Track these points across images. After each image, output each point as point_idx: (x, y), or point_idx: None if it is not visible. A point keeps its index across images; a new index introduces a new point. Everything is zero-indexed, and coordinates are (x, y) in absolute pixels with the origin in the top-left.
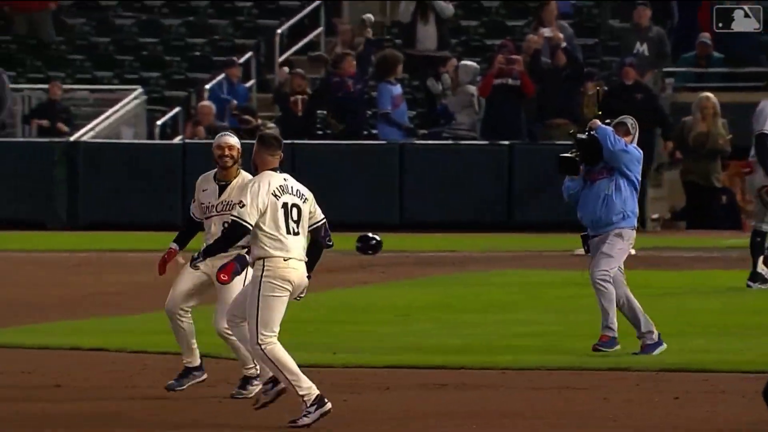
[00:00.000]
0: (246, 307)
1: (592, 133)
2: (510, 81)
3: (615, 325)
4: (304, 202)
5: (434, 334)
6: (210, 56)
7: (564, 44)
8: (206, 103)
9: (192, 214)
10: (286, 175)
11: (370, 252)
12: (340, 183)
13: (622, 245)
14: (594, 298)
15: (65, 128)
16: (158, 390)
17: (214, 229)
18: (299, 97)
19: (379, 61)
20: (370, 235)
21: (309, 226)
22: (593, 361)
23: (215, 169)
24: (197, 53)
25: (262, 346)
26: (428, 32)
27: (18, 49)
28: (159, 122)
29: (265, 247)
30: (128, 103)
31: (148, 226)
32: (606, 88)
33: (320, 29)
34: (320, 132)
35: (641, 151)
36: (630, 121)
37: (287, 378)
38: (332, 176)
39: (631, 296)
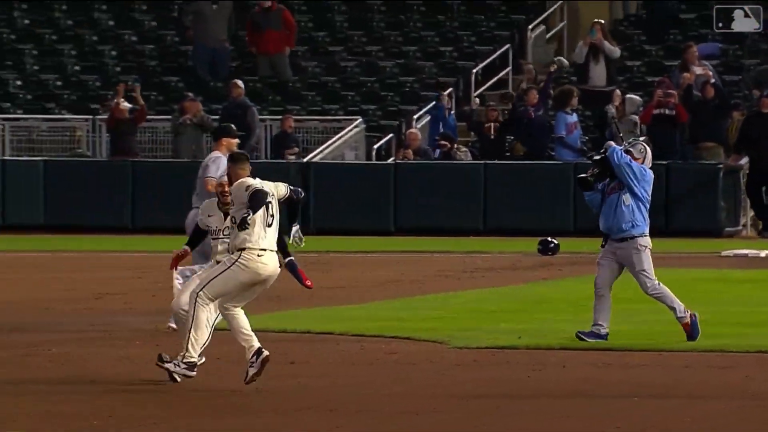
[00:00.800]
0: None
1: (605, 153)
2: (667, 111)
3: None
4: (272, 196)
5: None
6: (418, 92)
7: (713, 80)
8: (414, 130)
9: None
10: (258, 179)
11: (549, 253)
12: (523, 196)
13: (644, 255)
14: (733, 292)
15: (292, 154)
16: (368, 368)
17: (221, 248)
18: (492, 124)
19: (557, 94)
20: (549, 239)
21: (279, 199)
22: (733, 343)
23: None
24: (407, 89)
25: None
26: (599, 71)
27: (262, 87)
28: (375, 146)
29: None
30: (350, 130)
31: (366, 231)
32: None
33: (508, 68)
34: (508, 153)
35: (650, 172)
36: (640, 146)
37: (189, 335)
38: (517, 190)
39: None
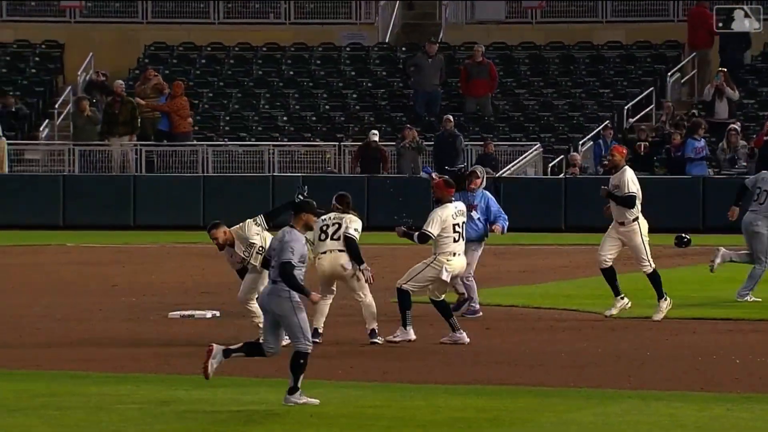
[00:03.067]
0: None
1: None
2: None
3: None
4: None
5: (728, 297)
6: (583, 123)
7: None
8: (574, 153)
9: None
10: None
11: (683, 246)
12: (663, 201)
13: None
14: None
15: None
16: (544, 333)
17: None
18: (642, 143)
19: (689, 125)
20: (683, 234)
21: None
22: None
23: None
24: (574, 122)
25: None
26: (722, 107)
27: (465, 120)
28: (550, 165)
29: None
30: (531, 153)
31: (542, 229)
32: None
33: (652, 105)
34: (656, 167)
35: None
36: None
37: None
38: (659, 197)
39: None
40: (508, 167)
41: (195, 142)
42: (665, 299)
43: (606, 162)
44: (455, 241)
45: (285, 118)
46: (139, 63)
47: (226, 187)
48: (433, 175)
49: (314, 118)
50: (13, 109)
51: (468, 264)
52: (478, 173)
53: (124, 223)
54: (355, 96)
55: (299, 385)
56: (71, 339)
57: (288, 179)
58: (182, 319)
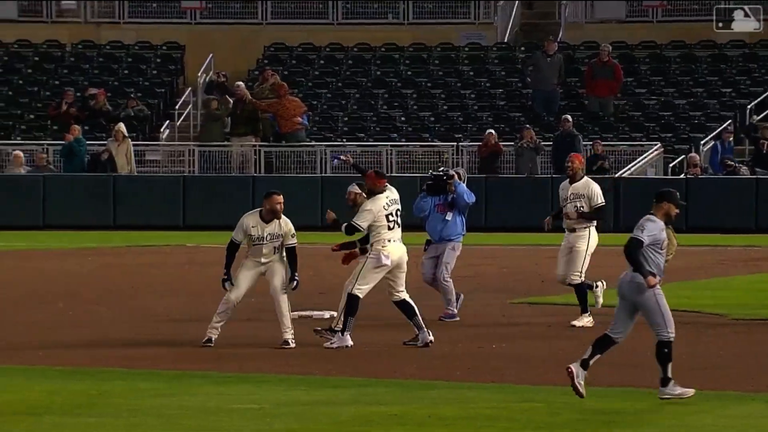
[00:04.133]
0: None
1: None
2: None
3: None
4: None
5: None
6: (704, 123)
7: None
8: (693, 154)
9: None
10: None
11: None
12: None
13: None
14: None
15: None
16: None
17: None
18: (765, 141)
19: None
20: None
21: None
22: None
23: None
24: (695, 121)
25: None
26: None
27: (584, 120)
28: (671, 165)
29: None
30: (651, 153)
31: None
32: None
33: None
34: None
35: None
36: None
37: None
38: None
39: None
40: (627, 167)
41: (313, 143)
42: (588, 314)
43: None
44: (389, 229)
45: (403, 119)
46: (258, 63)
47: (344, 188)
48: (341, 157)
49: (432, 118)
50: (132, 113)
51: (446, 264)
52: (460, 175)
53: None
54: (473, 96)
55: (669, 374)
56: (191, 339)
57: (405, 180)
58: (300, 320)
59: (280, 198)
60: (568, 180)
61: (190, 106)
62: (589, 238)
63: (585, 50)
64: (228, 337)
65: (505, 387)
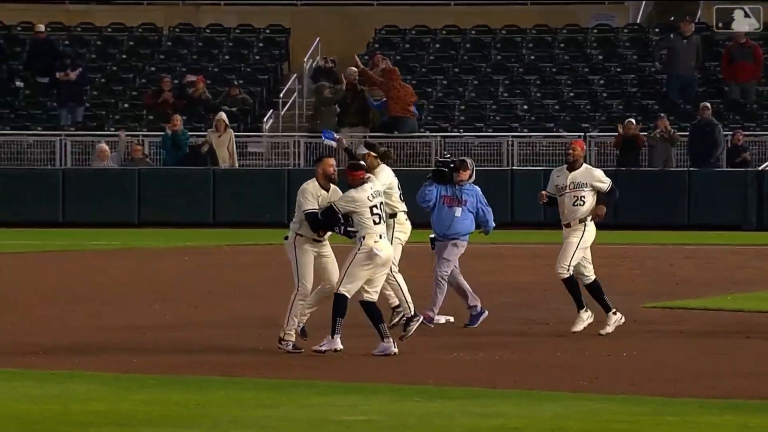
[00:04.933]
0: None
1: None
2: None
3: None
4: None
5: None
6: None
7: None
8: None
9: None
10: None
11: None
12: None
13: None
14: None
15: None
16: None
17: None
18: None
19: None
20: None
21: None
22: None
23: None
24: None
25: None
26: None
27: (726, 107)
28: None
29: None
30: None
31: None
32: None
33: None
34: None
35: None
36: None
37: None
38: None
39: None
40: None
41: (426, 133)
42: (585, 309)
43: (570, 156)
44: (375, 223)
45: (525, 107)
46: (368, 48)
47: None
48: (336, 136)
49: (557, 107)
50: (228, 107)
51: (447, 261)
52: (468, 165)
53: None
54: (602, 82)
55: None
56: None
57: (527, 174)
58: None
59: (332, 161)
60: (565, 167)
61: (295, 94)
62: (583, 232)
63: (725, 31)
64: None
65: (635, 399)
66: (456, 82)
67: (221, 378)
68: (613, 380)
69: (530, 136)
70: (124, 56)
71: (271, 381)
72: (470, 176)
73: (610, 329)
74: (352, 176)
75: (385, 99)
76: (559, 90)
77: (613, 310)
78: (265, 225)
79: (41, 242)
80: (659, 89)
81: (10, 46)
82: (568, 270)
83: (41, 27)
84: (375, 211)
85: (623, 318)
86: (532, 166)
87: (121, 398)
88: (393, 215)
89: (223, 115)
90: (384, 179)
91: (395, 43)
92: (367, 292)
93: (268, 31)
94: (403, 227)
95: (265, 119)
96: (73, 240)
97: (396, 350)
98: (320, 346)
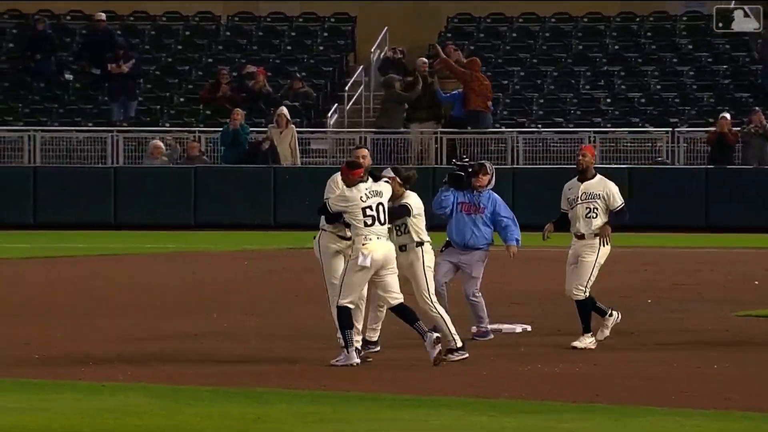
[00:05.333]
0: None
1: None
2: None
3: None
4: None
5: None
6: None
7: None
8: None
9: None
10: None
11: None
12: None
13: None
14: None
15: None
16: None
17: None
18: None
19: None
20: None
21: None
22: None
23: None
24: None
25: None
26: None
27: None
28: None
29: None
30: None
31: None
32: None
33: None
34: None
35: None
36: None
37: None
38: None
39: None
40: None
41: (503, 129)
42: (591, 335)
43: (580, 164)
44: (367, 225)
45: (608, 101)
46: (440, 37)
47: (537, 179)
48: (391, 174)
49: (643, 100)
50: (290, 101)
51: (475, 279)
52: (487, 169)
53: None
54: (692, 73)
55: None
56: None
57: (611, 172)
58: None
59: (365, 151)
60: (576, 177)
61: (361, 88)
62: (599, 248)
63: None
64: (405, 358)
65: (728, 414)
66: (534, 74)
67: (281, 390)
68: (705, 394)
69: (614, 132)
70: (180, 47)
71: (334, 394)
72: (489, 181)
73: (580, 345)
74: (350, 175)
75: (456, 91)
76: (645, 82)
77: (591, 333)
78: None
79: (91, 245)
80: (754, 81)
81: (59, 37)
82: (585, 291)
83: (102, 15)
84: (369, 212)
85: (595, 342)
86: (616, 164)
87: (176, 411)
88: (421, 243)
89: (284, 110)
90: (415, 205)
91: (469, 32)
92: (389, 296)
93: (332, 19)
94: (431, 255)
95: (329, 114)
96: (126, 243)
97: (357, 360)
98: (336, 361)
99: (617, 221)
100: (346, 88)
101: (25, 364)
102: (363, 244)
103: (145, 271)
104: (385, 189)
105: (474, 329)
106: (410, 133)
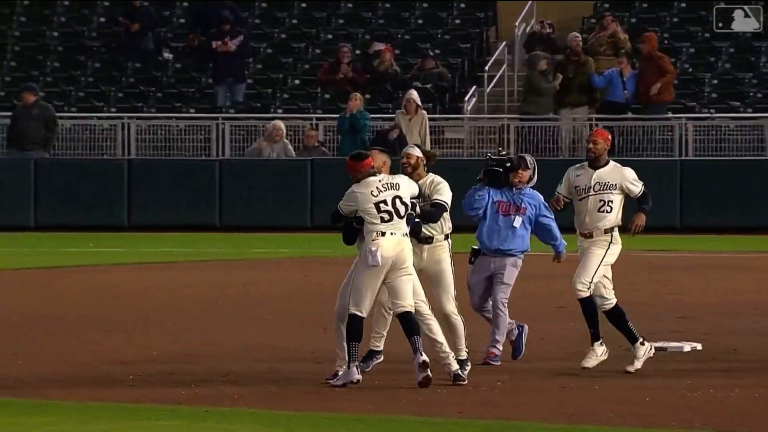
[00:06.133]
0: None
1: None
2: None
3: None
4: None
5: None
6: None
7: None
8: None
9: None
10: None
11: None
12: None
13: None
14: None
15: None
16: None
17: None
18: None
19: None
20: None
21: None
22: None
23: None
24: None
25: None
26: None
27: None
28: None
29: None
30: None
31: None
32: None
33: None
34: None
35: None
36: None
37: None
38: None
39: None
40: None
41: (669, 116)
42: (600, 343)
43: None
44: (384, 221)
45: (714, 82)
46: (595, 9)
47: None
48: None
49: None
50: (420, 83)
51: (505, 285)
52: (528, 162)
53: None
54: None
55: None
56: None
57: (703, 165)
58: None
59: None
60: (587, 163)
61: (503, 68)
62: (609, 246)
63: None
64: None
65: None
66: (706, 50)
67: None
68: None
69: (713, 117)
70: (294, 21)
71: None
72: (531, 178)
73: (639, 364)
74: (358, 168)
75: (611, 70)
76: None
77: (641, 340)
78: (467, 228)
79: (193, 249)
80: None
81: (157, 10)
82: (589, 288)
83: None
84: (383, 207)
85: (653, 348)
86: None
87: None
88: (447, 236)
89: (414, 94)
90: (448, 195)
91: (630, 1)
92: (397, 303)
93: None
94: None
95: (466, 98)
96: (233, 247)
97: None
98: (335, 380)
99: (646, 206)
100: (486, 67)
101: (119, 384)
102: (373, 240)
103: (254, 279)
104: (403, 181)
105: (492, 351)
106: (560, 120)
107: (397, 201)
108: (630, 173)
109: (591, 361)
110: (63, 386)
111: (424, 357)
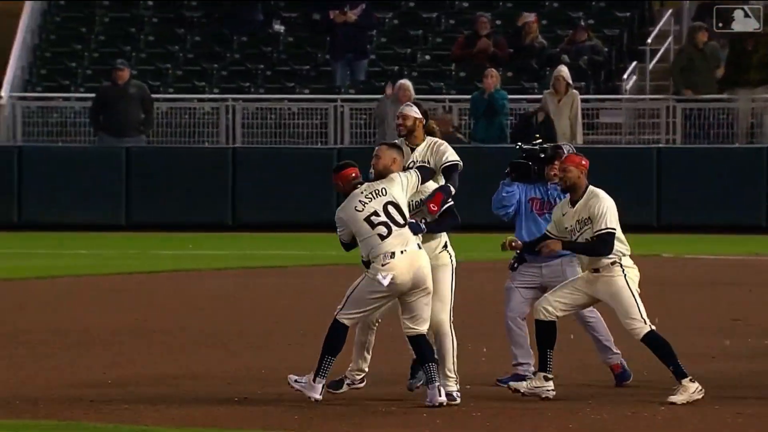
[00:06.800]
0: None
1: None
2: None
3: None
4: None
5: None
6: None
7: None
8: None
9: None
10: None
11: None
12: None
13: None
14: None
15: None
16: None
17: None
18: None
19: None
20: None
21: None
22: None
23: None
24: None
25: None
26: None
27: None
28: None
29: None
30: None
31: None
32: None
33: None
34: None
35: None
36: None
37: None
38: None
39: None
40: None
41: None
42: (689, 379)
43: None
44: (384, 237)
45: None
46: None
47: None
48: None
49: None
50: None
51: (550, 290)
52: (566, 152)
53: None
54: None
55: None
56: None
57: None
58: None
59: (382, 149)
60: (567, 197)
61: (669, 40)
62: (624, 275)
63: None
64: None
65: None
66: None
67: None
68: None
69: None
70: None
71: None
72: None
73: (679, 400)
74: (335, 181)
75: None
76: None
77: (690, 377)
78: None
79: (307, 252)
80: None
81: None
82: (647, 322)
83: None
84: (376, 219)
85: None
86: None
87: None
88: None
89: (564, 70)
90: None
91: None
92: (408, 325)
93: None
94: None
95: (625, 76)
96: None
97: (443, 399)
98: (296, 381)
99: (586, 251)
100: (649, 40)
101: (225, 405)
102: (383, 264)
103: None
104: (390, 183)
105: (617, 362)
106: (736, 102)
107: (390, 207)
108: (599, 207)
109: (680, 398)
110: (159, 409)
111: (442, 398)
